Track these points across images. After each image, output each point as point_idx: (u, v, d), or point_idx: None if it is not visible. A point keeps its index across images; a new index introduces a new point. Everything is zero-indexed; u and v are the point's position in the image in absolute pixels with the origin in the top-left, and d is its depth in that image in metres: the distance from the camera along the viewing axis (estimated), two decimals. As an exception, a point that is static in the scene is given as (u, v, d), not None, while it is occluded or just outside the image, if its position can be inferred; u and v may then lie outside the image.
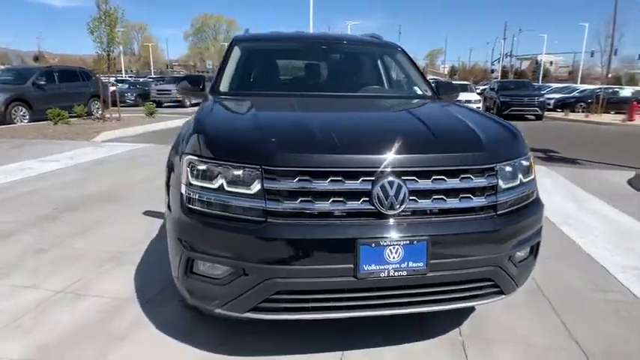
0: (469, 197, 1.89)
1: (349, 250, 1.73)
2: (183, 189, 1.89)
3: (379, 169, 1.79)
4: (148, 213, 4.32)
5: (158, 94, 21.76)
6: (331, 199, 1.77)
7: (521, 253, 2.07)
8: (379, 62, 3.59)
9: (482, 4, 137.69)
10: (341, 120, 2.45)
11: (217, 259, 1.82)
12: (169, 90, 21.80)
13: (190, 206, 1.87)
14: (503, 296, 2.04)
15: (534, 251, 2.17)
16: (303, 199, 1.76)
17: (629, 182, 6.15)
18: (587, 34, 47.82)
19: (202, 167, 1.85)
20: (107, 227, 3.92)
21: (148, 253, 3.35)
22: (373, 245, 1.74)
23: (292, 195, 1.77)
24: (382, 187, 1.77)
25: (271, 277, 1.75)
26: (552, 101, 22.19)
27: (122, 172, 6.26)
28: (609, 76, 25.05)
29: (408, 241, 1.77)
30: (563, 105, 22.53)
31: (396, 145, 1.84)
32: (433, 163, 1.86)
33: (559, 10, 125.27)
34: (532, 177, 2.15)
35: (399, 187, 1.78)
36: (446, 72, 70.47)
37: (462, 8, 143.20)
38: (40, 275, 2.96)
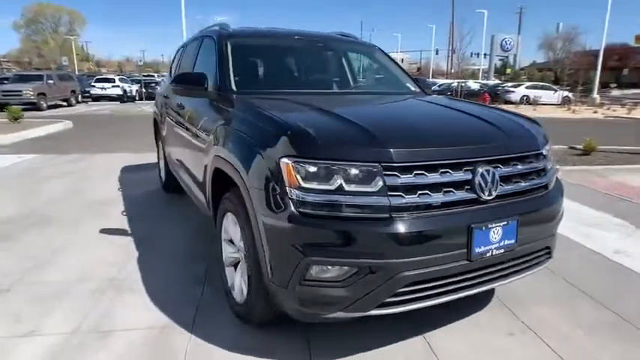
0: (534, 178, 2.20)
1: (465, 236, 1.88)
2: (290, 193, 1.80)
3: (478, 159, 1.97)
4: (106, 231, 3.78)
5: (4, 95, 18.19)
6: (443, 190, 1.89)
7: None
8: (372, 60, 3.72)
9: (338, 3, 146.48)
10: (416, 116, 2.55)
11: (342, 260, 1.78)
12: (19, 91, 18.45)
13: (304, 210, 1.78)
14: (550, 260, 2.40)
15: None
16: (421, 192, 1.84)
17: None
18: (435, 34, 54.71)
19: (313, 169, 1.79)
20: (67, 254, 3.33)
21: (149, 275, 2.97)
22: (483, 229, 1.91)
23: (411, 189, 1.83)
24: (482, 175, 1.96)
25: (400, 271, 1.80)
26: (418, 94, 25.02)
27: (29, 188, 5.26)
28: (453, 71, 29.26)
29: (505, 222, 1.98)
30: (428, 97, 25.61)
31: (485, 137, 2.05)
32: (510, 150, 2.11)
33: (410, 12, 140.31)
34: (554, 160, 2.56)
35: (493, 175, 1.99)
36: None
37: (322, 5, 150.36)
38: (30, 319, 2.41)
